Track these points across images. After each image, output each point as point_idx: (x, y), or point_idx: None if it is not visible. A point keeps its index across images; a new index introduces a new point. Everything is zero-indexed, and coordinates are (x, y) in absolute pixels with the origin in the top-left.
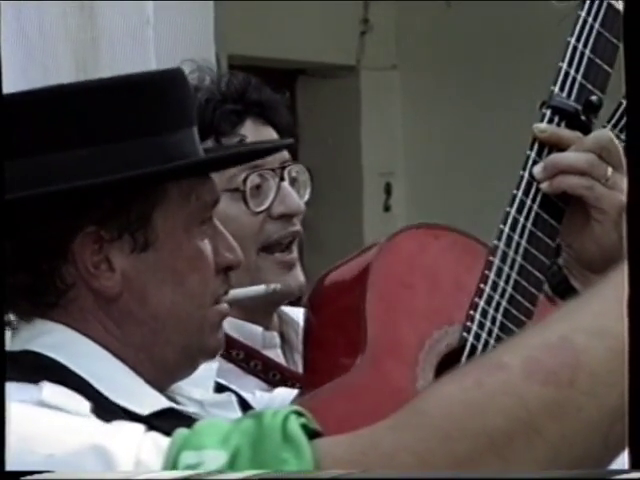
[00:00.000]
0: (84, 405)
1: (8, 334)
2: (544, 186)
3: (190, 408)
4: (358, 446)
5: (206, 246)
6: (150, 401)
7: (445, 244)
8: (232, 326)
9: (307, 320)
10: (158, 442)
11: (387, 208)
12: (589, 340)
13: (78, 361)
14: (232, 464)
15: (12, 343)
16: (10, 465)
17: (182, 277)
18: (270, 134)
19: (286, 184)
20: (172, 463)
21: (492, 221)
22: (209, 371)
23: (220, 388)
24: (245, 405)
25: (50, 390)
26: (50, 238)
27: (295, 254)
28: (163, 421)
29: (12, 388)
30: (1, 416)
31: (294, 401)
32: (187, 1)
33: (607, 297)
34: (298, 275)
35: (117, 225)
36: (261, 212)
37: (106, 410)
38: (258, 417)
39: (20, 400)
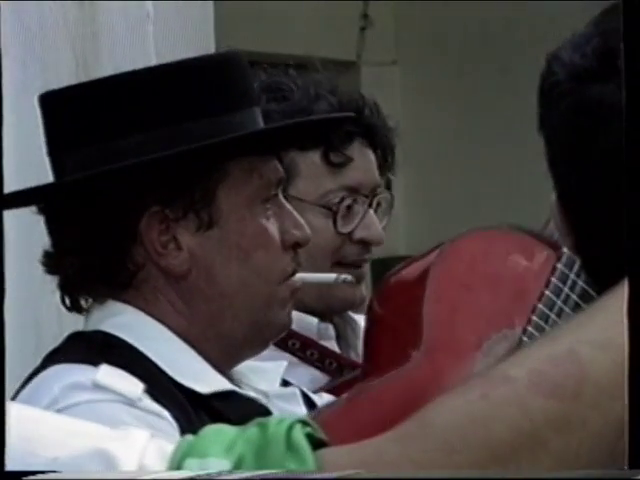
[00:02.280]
0: (136, 386)
1: (81, 317)
2: None
3: (251, 393)
4: (362, 456)
5: (270, 224)
6: (213, 382)
7: (510, 246)
8: None
9: (368, 321)
10: (163, 448)
11: None
12: (595, 353)
13: (145, 342)
14: None
15: (85, 324)
16: (14, 467)
17: (247, 254)
18: (371, 158)
19: (372, 212)
20: (175, 470)
21: (492, 216)
22: (279, 367)
23: (285, 383)
24: (309, 402)
25: (106, 371)
26: (118, 219)
27: (364, 269)
28: (223, 402)
29: (70, 369)
30: (1, 416)
31: (349, 393)
32: None
33: (613, 310)
34: (362, 290)
35: (182, 204)
36: (346, 233)
37: (163, 392)
38: (263, 425)
39: (75, 381)
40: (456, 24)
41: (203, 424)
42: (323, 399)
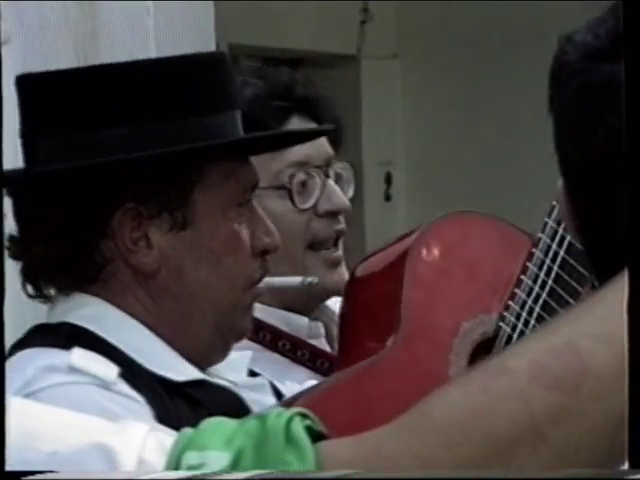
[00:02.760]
0: (112, 370)
1: (45, 307)
2: None
3: (223, 382)
4: (362, 449)
5: (242, 229)
6: (185, 371)
7: (485, 232)
8: (277, 317)
9: (344, 304)
10: (162, 441)
11: (388, 197)
12: (595, 345)
13: (114, 333)
14: (235, 465)
15: (49, 316)
16: (12, 461)
17: (218, 258)
18: None
19: (331, 182)
20: (175, 463)
21: (493, 210)
22: (244, 357)
23: (253, 374)
24: (278, 393)
25: (80, 354)
26: (91, 212)
27: (340, 252)
28: (196, 389)
29: (43, 351)
30: (1, 416)
31: (326, 379)
32: None
33: (613, 302)
34: (343, 272)
35: (157, 203)
36: (307, 209)
37: (137, 377)
38: (262, 418)
39: (49, 363)
40: (457, 18)
41: (179, 410)
42: (289, 388)
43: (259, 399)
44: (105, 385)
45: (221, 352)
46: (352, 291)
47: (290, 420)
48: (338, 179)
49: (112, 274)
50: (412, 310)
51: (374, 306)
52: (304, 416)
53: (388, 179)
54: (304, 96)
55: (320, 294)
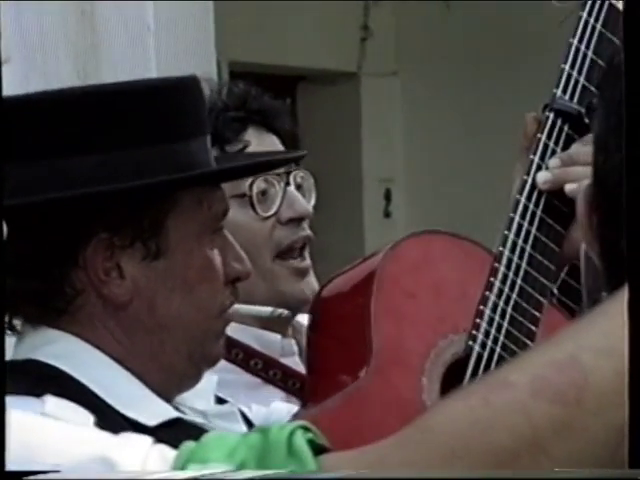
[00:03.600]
0: (87, 419)
1: (12, 340)
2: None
3: (196, 419)
4: (363, 462)
5: (216, 256)
6: (158, 411)
7: (449, 251)
8: (250, 335)
9: (310, 326)
10: (165, 454)
11: (387, 214)
12: (597, 359)
13: (84, 371)
14: None
15: (15, 350)
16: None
17: (191, 286)
18: (272, 141)
19: (292, 189)
20: None
21: (493, 227)
22: (210, 383)
23: (220, 400)
24: (245, 418)
25: (54, 404)
26: (62, 243)
27: (308, 261)
28: (170, 432)
29: (14, 401)
30: (1, 418)
31: (300, 411)
32: (188, 8)
33: (615, 316)
34: (312, 282)
35: (130, 232)
36: (269, 217)
37: (111, 423)
38: (264, 431)
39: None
40: (456, 35)
41: None
42: (254, 411)
43: (230, 428)
44: None
45: (194, 380)
46: (319, 314)
47: (292, 433)
48: (299, 187)
49: (82, 306)
50: (382, 337)
51: (342, 330)
52: (306, 429)
53: (388, 196)
54: (259, 108)
55: (291, 303)
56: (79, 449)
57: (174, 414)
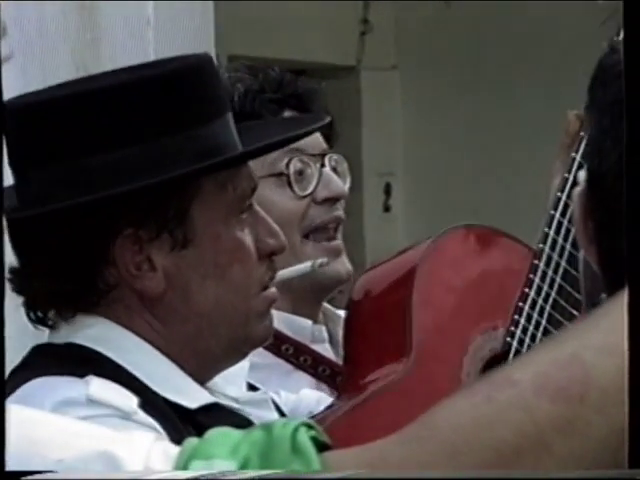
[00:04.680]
0: (132, 400)
1: (45, 331)
2: None
3: (231, 404)
4: (367, 459)
5: (246, 236)
6: (196, 395)
7: (488, 246)
8: (281, 320)
9: (348, 317)
10: (168, 450)
11: (387, 208)
12: (599, 357)
13: (123, 354)
14: None
15: (51, 337)
16: (17, 468)
17: (224, 270)
18: None
19: (328, 169)
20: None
21: (492, 221)
22: (241, 369)
23: (251, 387)
24: (276, 405)
25: (98, 385)
26: (90, 244)
27: (340, 240)
28: (208, 415)
29: (58, 382)
30: (1, 417)
31: (335, 402)
32: (187, 2)
33: (617, 315)
34: (345, 261)
35: (155, 224)
36: (306, 196)
37: (153, 405)
38: (268, 428)
39: (67, 397)
40: (456, 28)
41: None
42: (282, 398)
43: (263, 416)
44: (126, 416)
45: (237, 360)
46: (358, 302)
47: (296, 430)
48: (334, 171)
49: (117, 299)
50: (423, 331)
51: (383, 320)
52: (309, 427)
53: (387, 190)
54: (294, 91)
55: (324, 283)
56: (82, 444)
57: (212, 399)
